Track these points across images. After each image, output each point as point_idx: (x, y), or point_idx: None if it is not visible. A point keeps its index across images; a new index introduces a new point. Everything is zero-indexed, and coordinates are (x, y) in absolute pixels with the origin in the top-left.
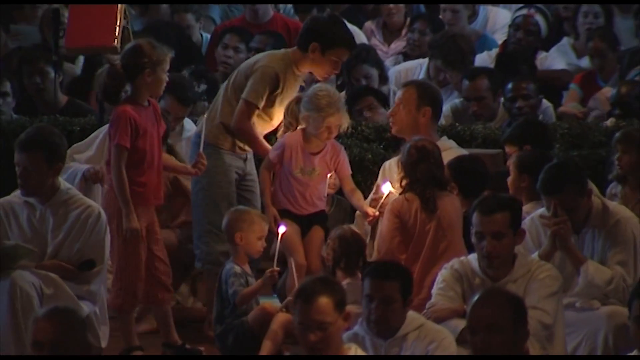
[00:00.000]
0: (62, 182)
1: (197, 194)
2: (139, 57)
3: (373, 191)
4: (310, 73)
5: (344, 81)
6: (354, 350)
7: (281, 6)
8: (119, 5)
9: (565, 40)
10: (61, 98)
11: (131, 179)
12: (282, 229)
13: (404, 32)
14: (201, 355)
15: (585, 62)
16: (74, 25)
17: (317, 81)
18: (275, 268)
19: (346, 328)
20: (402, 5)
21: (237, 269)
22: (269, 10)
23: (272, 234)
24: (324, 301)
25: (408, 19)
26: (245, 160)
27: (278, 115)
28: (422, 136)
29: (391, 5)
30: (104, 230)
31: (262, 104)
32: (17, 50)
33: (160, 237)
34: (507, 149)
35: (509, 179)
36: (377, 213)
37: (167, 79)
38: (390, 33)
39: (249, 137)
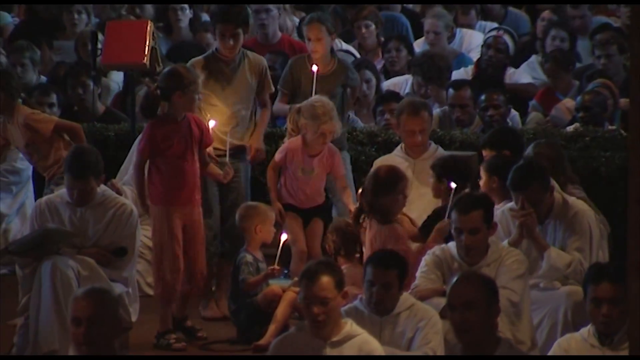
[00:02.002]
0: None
1: None
2: (170, 81)
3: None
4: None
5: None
6: (350, 324)
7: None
8: (149, 27)
9: (534, 58)
10: (99, 107)
11: (160, 183)
12: (284, 237)
13: (379, 51)
14: (199, 355)
15: None
16: (110, 45)
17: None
18: (276, 267)
19: (344, 305)
20: (372, 28)
21: (249, 257)
22: (278, 32)
23: (277, 223)
24: (326, 279)
25: (382, 39)
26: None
27: (221, 101)
28: (390, 164)
29: (363, 30)
30: (135, 224)
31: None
32: (61, 64)
33: (203, 241)
34: (485, 153)
35: (481, 182)
36: None
37: (199, 98)
38: (366, 54)
39: None
